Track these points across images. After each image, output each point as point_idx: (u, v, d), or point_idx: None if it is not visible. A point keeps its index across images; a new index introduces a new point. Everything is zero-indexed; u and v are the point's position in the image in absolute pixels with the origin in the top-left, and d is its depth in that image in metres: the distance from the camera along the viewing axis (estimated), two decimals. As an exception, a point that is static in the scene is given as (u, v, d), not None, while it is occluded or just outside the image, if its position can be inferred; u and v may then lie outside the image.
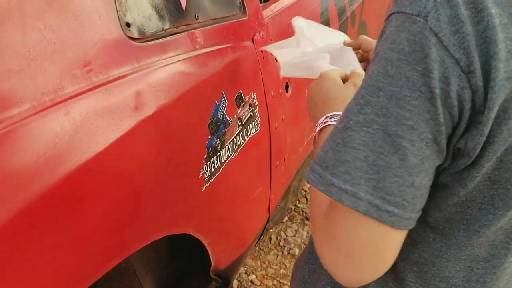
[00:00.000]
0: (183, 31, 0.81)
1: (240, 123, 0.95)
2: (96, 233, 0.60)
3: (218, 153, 0.87)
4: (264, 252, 1.81)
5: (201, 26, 0.86)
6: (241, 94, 0.94)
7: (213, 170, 0.85)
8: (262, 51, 1.03)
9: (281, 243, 1.86)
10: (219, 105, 0.86)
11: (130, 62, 0.68)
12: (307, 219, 1.98)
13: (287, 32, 1.19)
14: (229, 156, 0.91)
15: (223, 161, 0.89)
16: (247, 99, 0.96)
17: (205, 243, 0.89)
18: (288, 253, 1.82)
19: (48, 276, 0.54)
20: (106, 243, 0.62)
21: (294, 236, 1.90)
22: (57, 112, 0.55)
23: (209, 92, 0.83)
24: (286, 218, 1.98)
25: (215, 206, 0.90)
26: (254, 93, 1.00)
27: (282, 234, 1.90)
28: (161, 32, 0.75)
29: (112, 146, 0.61)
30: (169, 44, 0.77)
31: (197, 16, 0.85)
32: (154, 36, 0.74)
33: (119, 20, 0.67)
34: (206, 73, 0.83)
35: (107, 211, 0.61)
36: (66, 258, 0.56)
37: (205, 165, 0.83)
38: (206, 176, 0.83)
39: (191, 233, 0.83)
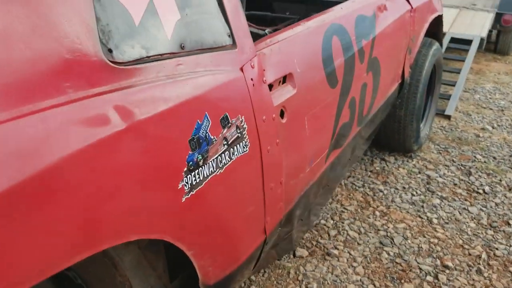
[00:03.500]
0: (167, 59, 0.91)
1: (225, 142, 1.02)
2: (64, 226, 0.68)
3: (200, 168, 0.94)
4: (282, 286, 1.81)
5: (187, 55, 0.96)
6: (227, 116, 1.02)
7: (194, 183, 0.92)
8: (252, 79, 1.11)
9: (300, 278, 1.84)
10: (202, 124, 0.94)
11: (110, 82, 0.78)
12: (328, 254, 1.96)
13: (283, 64, 1.27)
14: (213, 172, 0.98)
15: (205, 176, 0.95)
16: (233, 121, 1.04)
17: (188, 254, 0.94)
18: (306, 287, 1.79)
19: (14, 260, 0.62)
20: (74, 237, 0.70)
21: (313, 271, 1.88)
22: (32, 119, 0.65)
23: (189, 112, 0.92)
24: (307, 253, 1.97)
25: (198, 218, 0.96)
26: (242, 116, 1.07)
27: (301, 268, 1.89)
28: (144, 59, 0.86)
29: (84, 149, 0.70)
30: (151, 69, 0.86)
31: (183, 46, 0.96)
32: (136, 62, 0.84)
33: (101, 46, 0.78)
34: (187, 95, 0.92)
35: (76, 209, 0.69)
36: (31, 247, 0.64)
37: (185, 178, 0.90)
38: (186, 188, 0.90)
39: (170, 241, 0.89)
